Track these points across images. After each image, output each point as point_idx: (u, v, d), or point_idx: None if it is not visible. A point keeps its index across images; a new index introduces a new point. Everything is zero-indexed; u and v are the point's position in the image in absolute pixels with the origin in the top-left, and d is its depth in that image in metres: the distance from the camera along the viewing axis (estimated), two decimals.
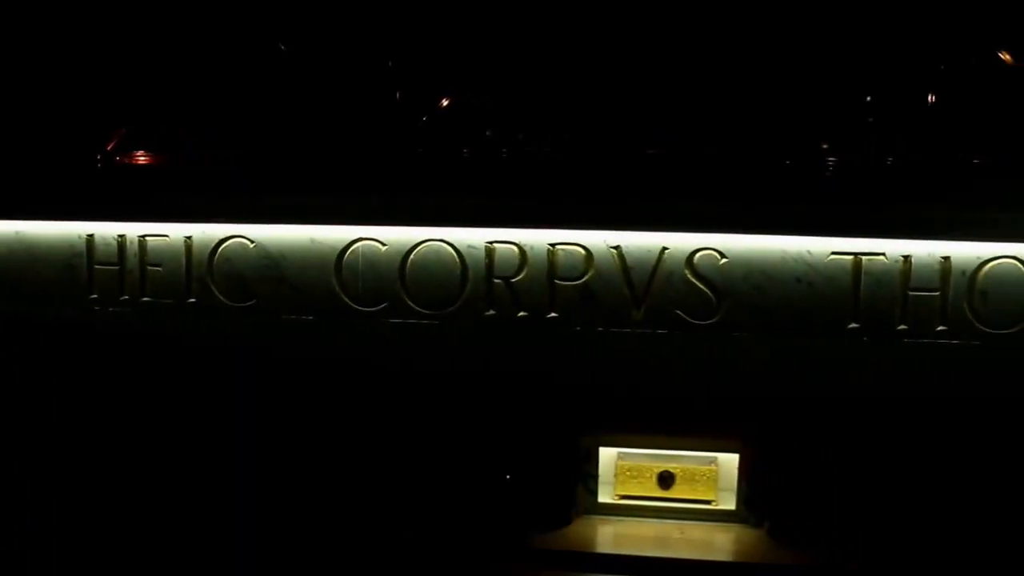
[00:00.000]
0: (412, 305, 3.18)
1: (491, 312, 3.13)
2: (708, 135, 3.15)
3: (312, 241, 3.24)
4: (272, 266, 3.26)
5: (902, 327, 3.00)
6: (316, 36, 3.53)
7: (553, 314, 3.09)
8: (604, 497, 3.95)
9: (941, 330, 3.00)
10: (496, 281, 3.13)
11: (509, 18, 3.55)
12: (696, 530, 3.90)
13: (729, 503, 3.89)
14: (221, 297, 3.28)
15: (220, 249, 3.28)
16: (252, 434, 3.48)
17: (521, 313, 3.12)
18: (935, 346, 2.99)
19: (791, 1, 3.27)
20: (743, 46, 3.27)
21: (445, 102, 3.55)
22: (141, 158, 3.45)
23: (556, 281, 3.08)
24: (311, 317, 3.23)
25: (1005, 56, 3.28)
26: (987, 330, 2.99)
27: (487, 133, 3.47)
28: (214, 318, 3.28)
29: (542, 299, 3.09)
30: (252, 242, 3.27)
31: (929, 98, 3.24)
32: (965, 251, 2.98)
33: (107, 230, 3.31)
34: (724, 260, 3.02)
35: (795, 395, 3.38)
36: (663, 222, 3.02)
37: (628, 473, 3.93)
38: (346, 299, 3.22)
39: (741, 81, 3.22)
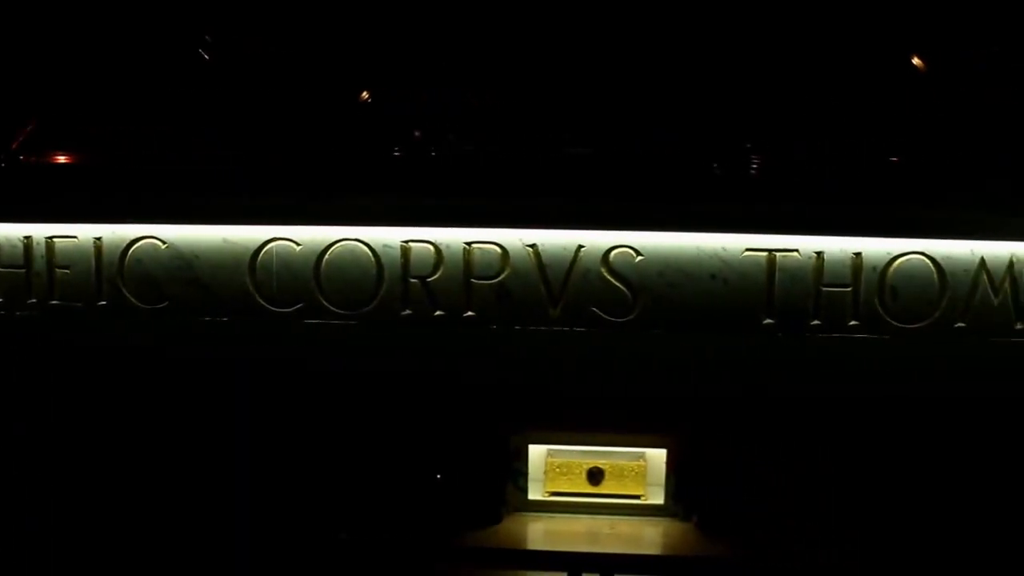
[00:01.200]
0: (328, 305, 3.13)
1: (407, 312, 3.09)
2: (625, 135, 3.12)
3: (225, 241, 3.17)
4: (185, 267, 3.18)
5: (815, 322, 3.01)
6: (237, 31, 3.45)
7: (470, 313, 3.06)
8: (534, 494, 3.95)
9: (853, 325, 3.02)
10: (412, 280, 3.09)
11: (432, 17, 3.49)
12: (626, 525, 3.91)
13: (658, 498, 3.90)
14: (132, 299, 3.20)
15: (131, 250, 3.21)
16: (169, 438, 3.41)
17: (438, 312, 3.09)
18: (847, 340, 3.01)
19: (708, 6, 3.25)
20: (658, 50, 3.25)
21: (365, 95, 3.49)
22: (48, 157, 3.34)
23: (472, 280, 3.05)
24: (225, 318, 3.16)
25: (917, 62, 3.31)
26: (897, 325, 3.02)
27: (416, 133, 3.42)
28: (126, 320, 3.20)
29: (458, 298, 3.05)
30: (164, 243, 3.19)
31: (842, 99, 3.25)
32: (876, 247, 3.01)
33: (12, 231, 3.21)
34: (640, 258, 3.01)
35: (715, 391, 3.38)
36: (579, 220, 3.00)
37: (558, 470, 3.93)
38: (260, 300, 3.16)
39: (654, 83, 3.19)
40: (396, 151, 3.40)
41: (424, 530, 3.73)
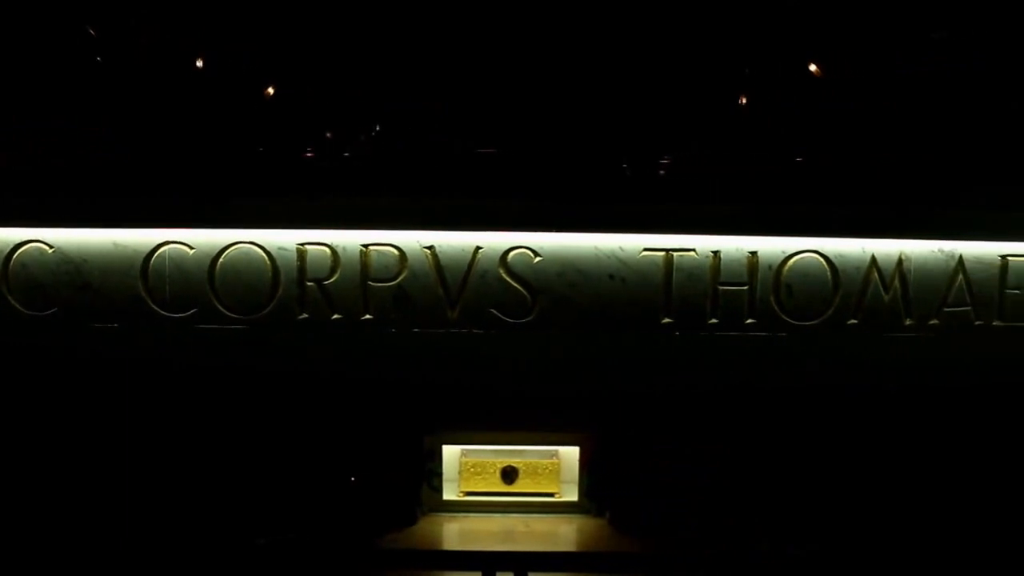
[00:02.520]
0: (223, 310, 3.06)
1: (304, 316, 3.03)
2: (522, 136, 3.10)
3: (115, 245, 3.07)
4: (73, 272, 3.07)
5: (713, 320, 3.03)
6: (125, 27, 3.33)
7: (368, 316, 3.01)
8: (449, 495, 3.93)
9: (750, 323, 3.04)
10: (309, 284, 3.03)
11: (340, 15, 3.42)
12: (540, 522, 3.92)
13: (572, 495, 3.91)
14: (18, 306, 3.08)
15: (15, 255, 3.08)
16: (66, 449, 3.30)
17: (335, 316, 3.03)
18: (744, 338, 3.04)
19: (606, 14, 3.24)
20: (559, 51, 3.23)
21: (270, 92, 3.41)
22: None
23: (370, 283, 3.00)
24: (116, 324, 3.07)
25: (814, 68, 3.36)
26: (792, 322, 3.05)
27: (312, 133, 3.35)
28: (11, 328, 3.08)
29: (356, 301, 3.00)
30: (51, 247, 3.08)
31: (739, 102, 3.27)
32: (771, 246, 3.03)
33: None
34: (538, 258, 2.99)
35: (620, 389, 3.40)
36: (477, 221, 2.97)
37: (472, 470, 3.91)
38: (153, 305, 3.07)
39: (554, 84, 3.18)
40: (309, 152, 3.33)
41: (340, 533, 3.69)
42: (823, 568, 3.37)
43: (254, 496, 3.55)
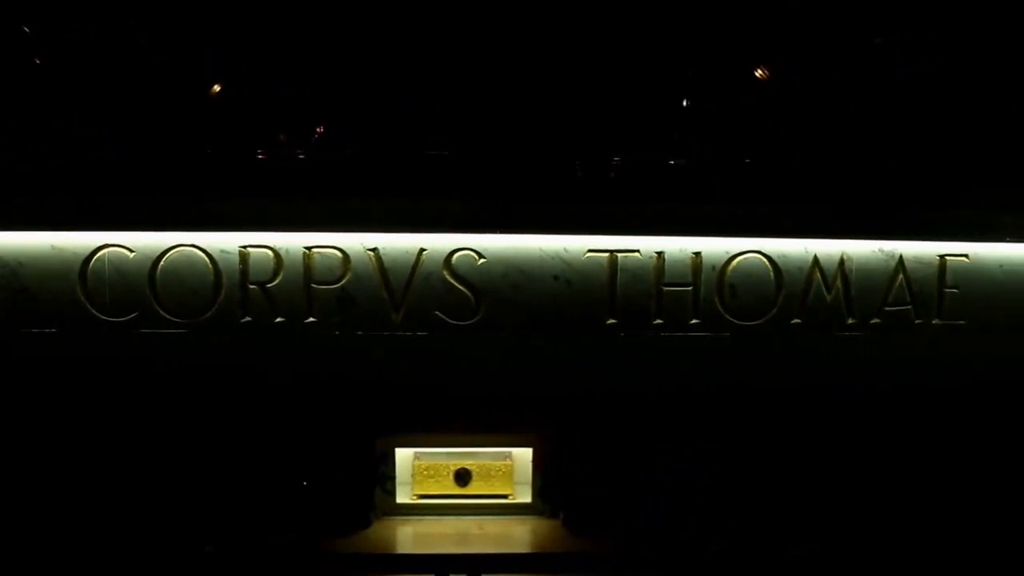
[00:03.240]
0: (164, 314, 3.01)
1: (247, 319, 3.00)
2: (466, 136, 3.09)
3: (53, 248, 3.02)
4: (9, 275, 3.02)
5: (657, 321, 3.05)
6: (59, 23, 3.27)
7: (311, 319, 2.98)
8: (402, 498, 3.92)
9: (694, 323, 3.06)
10: (251, 287, 3.00)
11: (288, 12, 3.39)
12: (494, 524, 3.92)
13: (525, 496, 3.92)
14: None
15: None
16: (9, 453, 3.24)
17: (279, 319, 3.01)
18: (688, 338, 3.05)
19: (545, 14, 3.24)
20: (508, 51, 3.23)
21: (215, 89, 3.37)
22: None
23: (313, 285, 2.97)
24: (54, 329, 3.01)
25: (760, 72, 3.38)
26: (736, 322, 3.07)
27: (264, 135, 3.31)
28: None
29: (299, 304, 2.97)
30: None
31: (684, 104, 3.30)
32: (715, 246, 3.05)
33: None
34: (482, 260, 2.98)
35: (570, 389, 3.40)
36: (420, 223, 2.96)
37: (425, 472, 3.90)
38: (92, 309, 3.02)
39: (497, 84, 3.17)
40: (260, 154, 3.30)
41: (292, 538, 3.66)
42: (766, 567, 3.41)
43: (202, 502, 3.51)
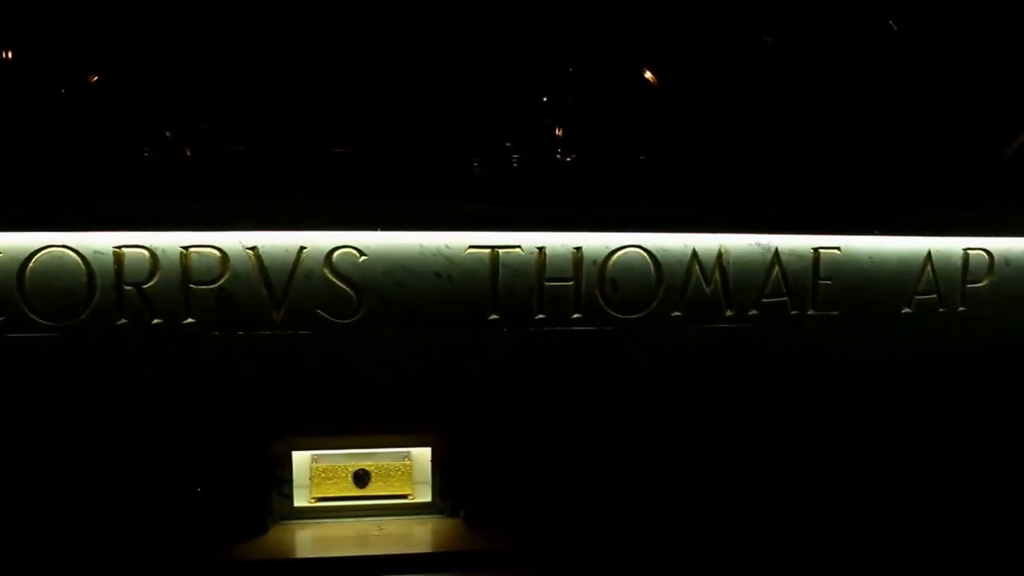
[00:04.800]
0: (34, 317, 2.93)
1: (123, 321, 2.94)
2: (345, 133, 3.09)
3: None
4: None
5: (540, 316, 3.08)
6: None
7: (190, 320, 2.93)
8: (300, 501, 3.87)
9: (576, 317, 3.10)
10: (127, 288, 2.93)
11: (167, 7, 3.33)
12: (394, 525, 3.90)
13: (425, 495, 3.91)
14: None
15: None
16: None
17: (156, 320, 2.95)
18: (571, 333, 3.09)
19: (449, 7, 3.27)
20: (400, 46, 3.24)
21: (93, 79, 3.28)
22: None
23: (191, 285, 2.93)
24: None
25: (648, 75, 3.46)
26: (618, 315, 3.13)
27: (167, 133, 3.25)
28: None
29: (177, 304, 2.92)
30: None
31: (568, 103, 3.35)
32: (595, 242, 3.10)
33: None
34: (364, 257, 2.98)
35: (461, 386, 3.42)
36: (300, 221, 2.94)
37: (323, 475, 3.86)
38: None
39: (376, 79, 3.18)
40: (147, 152, 3.23)
41: (186, 547, 3.59)
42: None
43: (88, 513, 3.42)
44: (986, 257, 3.42)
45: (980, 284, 3.43)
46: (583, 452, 3.67)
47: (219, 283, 2.96)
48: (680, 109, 3.44)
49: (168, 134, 3.27)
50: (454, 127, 3.16)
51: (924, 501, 3.75)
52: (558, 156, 3.22)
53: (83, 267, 2.96)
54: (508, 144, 3.23)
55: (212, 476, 3.65)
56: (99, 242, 2.96)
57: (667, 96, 3.54)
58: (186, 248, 2.95)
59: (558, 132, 3.27)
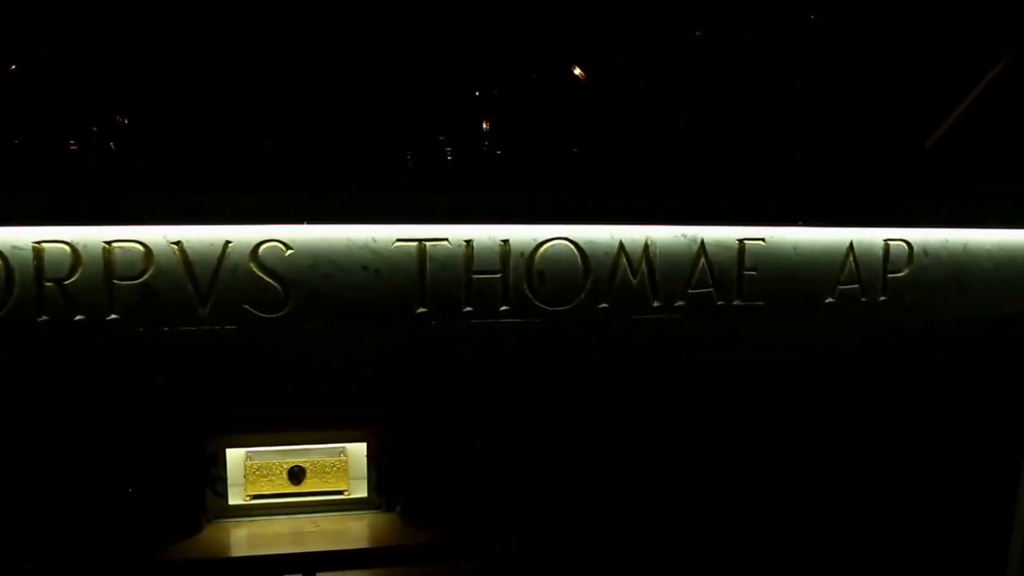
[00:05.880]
0: None
1: (44, 317, 2.89)
2: (271, 127, 3.08)
3: None
4: None
5: (468, 309, 3.10)
6: None
7: (114, 316, 2.90)
8: (235, 499, 3.85)
9: (504, 310, 3.13)
10: (48, 284, 2.89)
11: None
12: (330, 521, 3.90)
13: (361, 491, 3.91)
14: None
15: None
16: None
17: (79, 317, 2.91)
18: (499, 325, 3.12)
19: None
20: (311, 40, 3.23)
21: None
22: None
23: (114, 281, 2.89)
24: None
25: (579, 72, 3.50)
26: (546, 308, 3.16)
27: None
28: None
29: (100, 300, 2.89)
30: None
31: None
32: (523, 234, 3.13)
33: None
34: (290, 251, 2.97)
35: (393, 380, 3.43)
36: (225, 215, 2.92)
37: (258, 472, 3.85)
38: None
39: (306, 73, 3.18)
40: (73, 145, 3.18)
41: (120, 548, 3.54)
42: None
43: (16, 516, 3.36)
44: (906, 248, 3.51)
45: (900, 274, 3.52)
46: (517, 444, 3.71)
47: (143, 278, 2.93)
48: (607, 105, 3.49)
49: (95, 129, 3.23)
50: (382, 121, 3.17)
51: (848, 481, 3.84)
52: (485, 149, 3.24)
53: (1, 264, 2.91)
54: (441, 138, 3.24)
55: (144, 476, 3.61)
56: (18, 237, 2.91)
57: (596, 93, 3.58)
58: (109, 243, 2.92)
59: (485, 126, 3.28)
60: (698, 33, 3.83)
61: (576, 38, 3.58)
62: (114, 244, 2.93)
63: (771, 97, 3.72)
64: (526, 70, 3.49)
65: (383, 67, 3.20)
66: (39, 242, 2.92)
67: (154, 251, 2.95)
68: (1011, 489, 3.79)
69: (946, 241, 3.54)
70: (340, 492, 3.90)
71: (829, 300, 3.43)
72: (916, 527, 3.92)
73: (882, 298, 3.49)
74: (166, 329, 2.97)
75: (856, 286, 3.46)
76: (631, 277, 3.23)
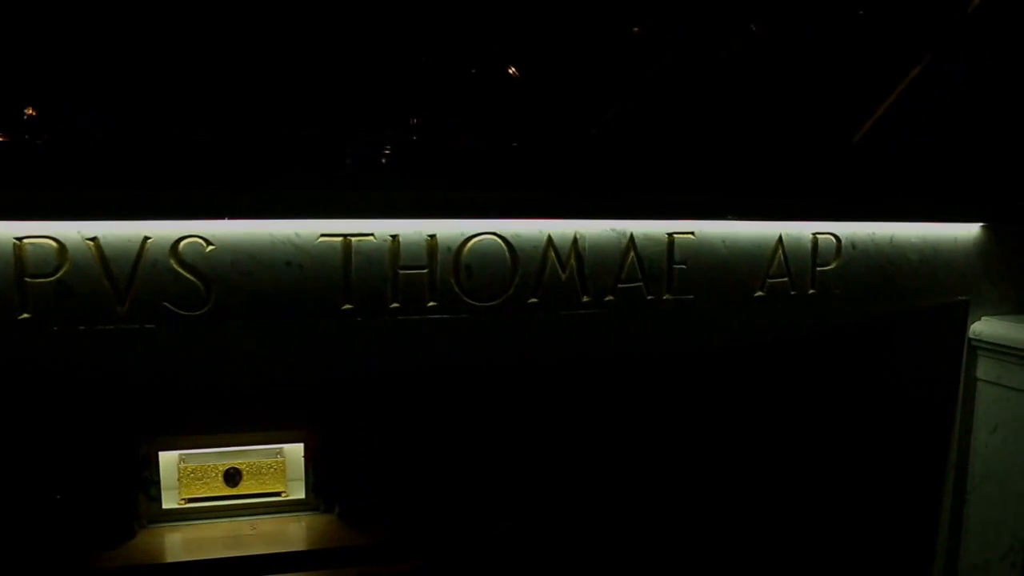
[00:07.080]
0: None
1: None
2: (192, 119, 3.03)
3: None
4: None
5: (394, 305, 3.07)
6: None
7: (26, 315, 2.83)
8: (169, 503, 3.79)
9: (432, 306, 3.11)
10: None
11: None
12: (268, 523, 3.85)
13: (299, 492, 3.87)
14: None
15: None
16: None
17: None
18: (426, 321, 3.10)
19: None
20: (239, 33, 3.20)
21: None
22: None
23: (26, 279, 2.83)
24: None
25: (513, 70, 3.51)
26: (474, 303, 3.15)
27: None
28: None
29: (11, 298, 2.82)
30: None
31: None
32: (450, 229, 3.11)
33: None
34: (211, 247, 2.93)
35: (324, 377, 3.39)
36: (144, 211, 2.87)
37: (192, 475, 3.79)
38: None
39: (231, 66, 3.14)
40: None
41: (48, 557, 3.46)
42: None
43: None
44: (834, 241, 3.55)
45: (829, 267, 3.56)
46: (452, 441, 3.69)
47: (57, 275, 2.87)
48: (536, 98, 3.49)
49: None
50: (307, 115, 3.14)
51: (778, 475, 3.87)
52: (413, 142, 3.23)
53: None
54: (368, 132, 3.22)
55: (72, 481, 3.54)
56: None
57: (524, 87, 3.59)
58: (20, 239, 2.85)
59: (413, 120, 3.27)
60: (635, 30, 3.85)
61: (505, 32, 3.59)
62: (25, 240, 2.86)
63: (701, 92, 3.76)
64: (459, 64, 3.48)
65: (309, 60, 3.17)
66: None
67: (69, 247, 2.88)
68: (938, 480, 3.84)
69: (873, 235, 3.59)
70: (277, 494, 3.86)
71: (759, 293, 3.46)
72: (842, 520, 3.96)
73: (811, 291, 3.53)
74: (82, 328, 2.91)
75: (786, 279, 3.49)
76: (560, 272, 3.22)
